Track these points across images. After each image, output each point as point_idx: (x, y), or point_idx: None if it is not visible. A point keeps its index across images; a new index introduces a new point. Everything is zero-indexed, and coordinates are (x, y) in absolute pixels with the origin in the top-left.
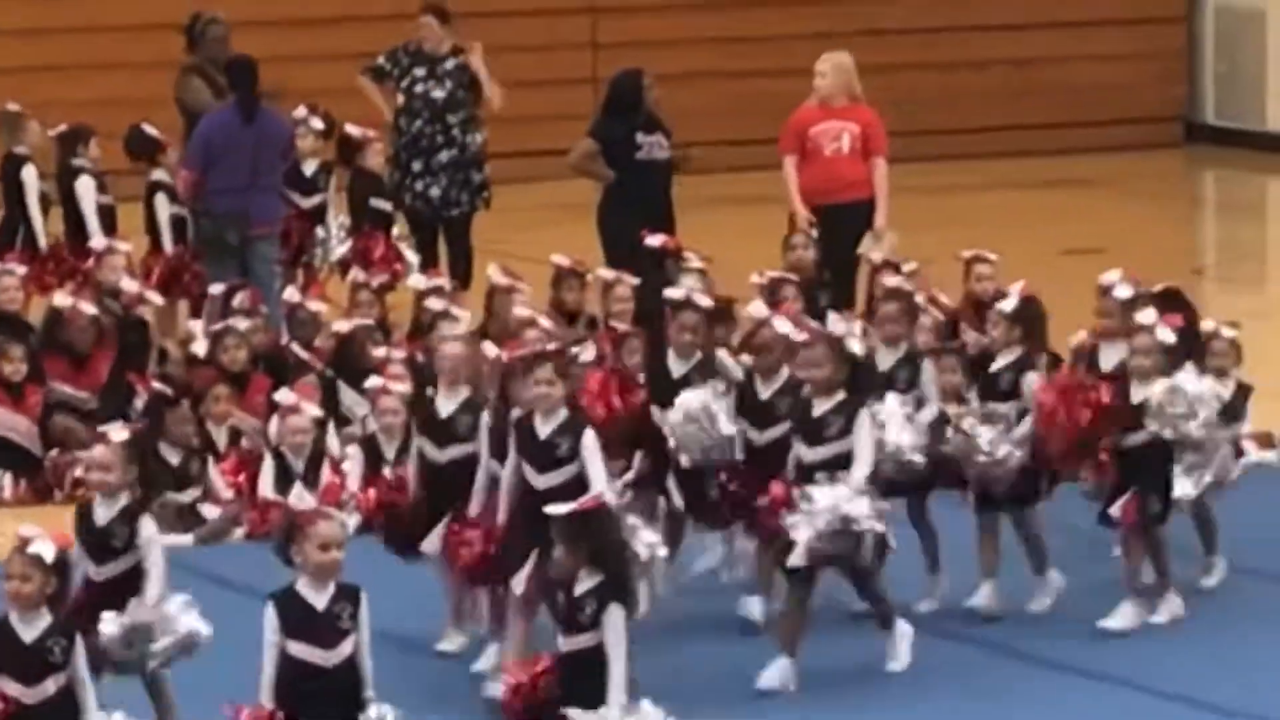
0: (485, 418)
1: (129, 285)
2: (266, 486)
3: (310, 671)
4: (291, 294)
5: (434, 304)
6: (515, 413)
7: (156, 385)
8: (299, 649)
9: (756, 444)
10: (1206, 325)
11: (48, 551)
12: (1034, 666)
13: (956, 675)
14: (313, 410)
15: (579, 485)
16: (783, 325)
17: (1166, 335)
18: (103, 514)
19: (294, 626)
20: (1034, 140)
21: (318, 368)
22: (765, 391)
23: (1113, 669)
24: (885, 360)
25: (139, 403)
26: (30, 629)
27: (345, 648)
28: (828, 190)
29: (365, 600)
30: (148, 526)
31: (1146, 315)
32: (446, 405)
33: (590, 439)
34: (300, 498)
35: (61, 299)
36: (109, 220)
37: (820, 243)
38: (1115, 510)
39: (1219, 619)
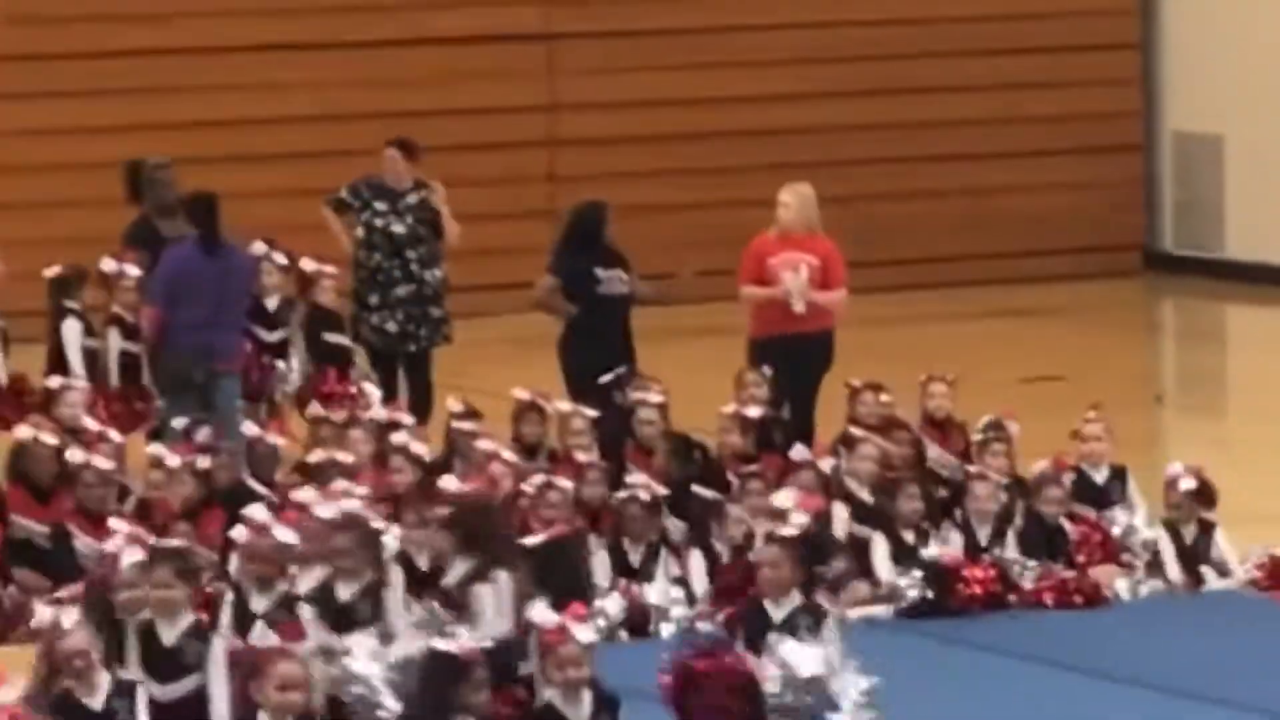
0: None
1: (89, 423)
2: (226, 624)
3: None
4: (251, 429)
5: (396, 438)
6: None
7: (113, 522)
8: None
9: None
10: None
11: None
12: None
13: None
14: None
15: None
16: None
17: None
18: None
19: None
20: (992, 269)
21: (276, 502)
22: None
23: None
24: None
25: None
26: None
27: None
28: (787, 320)
29: None
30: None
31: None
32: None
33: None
34: (263, 636)
35: (24, 431)
36: (93, 363)
37: (779, 374)
38: None
39: None
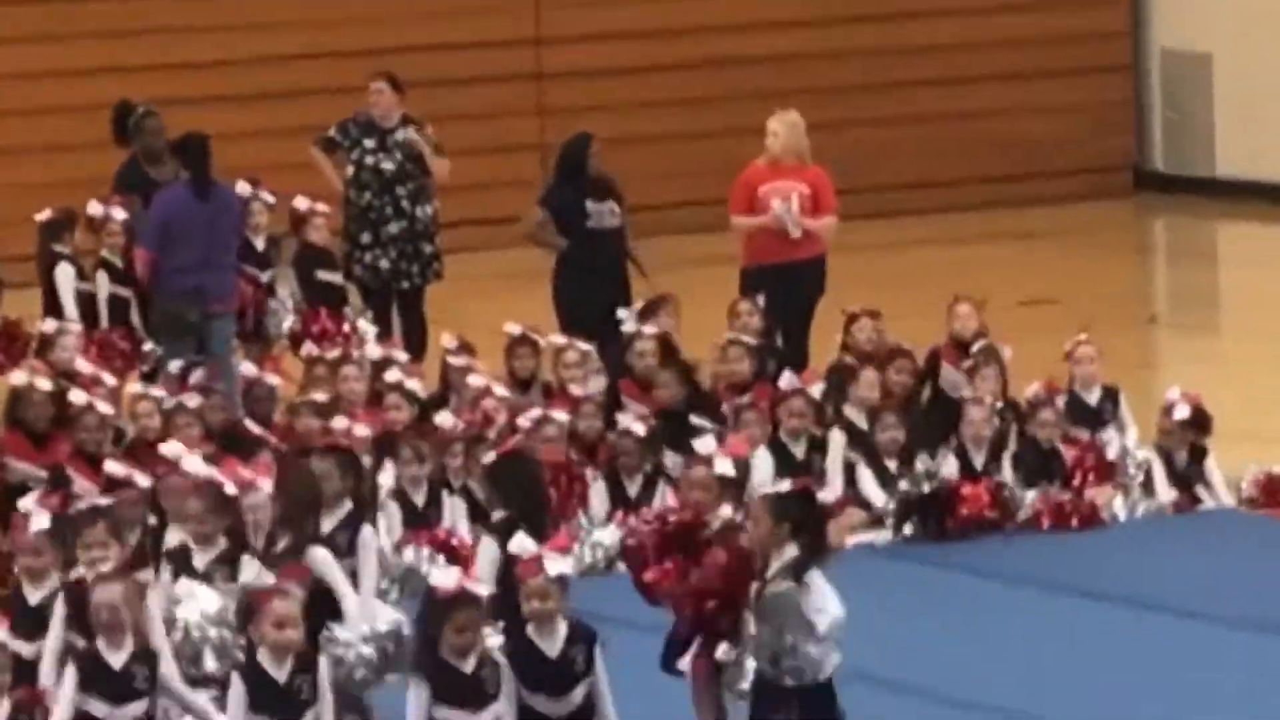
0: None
1: (83, 366)
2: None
3: None
4: (248, 369)
5: (389, 376)
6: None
7: (109, 466)
8: None
9: None
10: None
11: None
12: None
13: None
14: (269, 486)
15: None
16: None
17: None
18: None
19: (260, 702)
20: (982, 193)
21: (273, 443)
22: None
23: None
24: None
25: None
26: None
27: None
28: (779, 249)
29: (324, 666)
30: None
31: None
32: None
33: None
34: (258, 576)
35: (20, 376)
36: (88, 307)
37: (772, 302)
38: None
39: None
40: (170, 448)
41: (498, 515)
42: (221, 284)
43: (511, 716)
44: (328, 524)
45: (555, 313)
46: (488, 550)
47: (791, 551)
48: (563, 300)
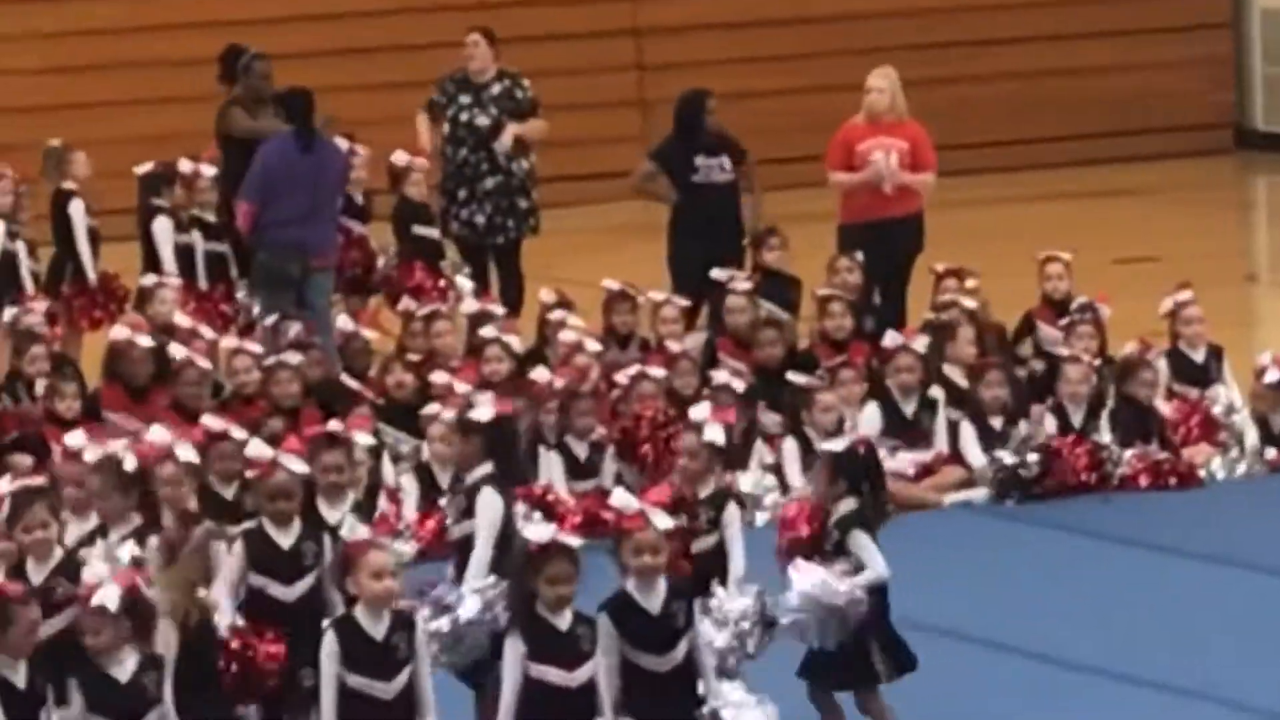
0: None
1: (181, 320)
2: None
3: (369, 703)
4: (345, 324)
5: (486, 330)
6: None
7: (206, 419)
8: (358, 681)
9: None
10: None
11: (111, 600)
12: None
13: None
14: (367, 440)
15: None
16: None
17: (716, 434)
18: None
19: (353, 658)
20: (1083, 150)
21: (370, 398)
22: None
23: None
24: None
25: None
26: (122, 670)
27: (403, 678)
28: (877, 205)
29: (420, 627)
30: None
31: (698, 412)
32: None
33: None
34: (353, 529)
35: (119, 332)
36: (187, 261)
37: (870, 259)
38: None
39: None
40: (72, 439)
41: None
42: (323, 238)
43: (606, 673)
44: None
45: (667, 267)
46: (492, 503)
47: (848, 506)
48: (670, 253)
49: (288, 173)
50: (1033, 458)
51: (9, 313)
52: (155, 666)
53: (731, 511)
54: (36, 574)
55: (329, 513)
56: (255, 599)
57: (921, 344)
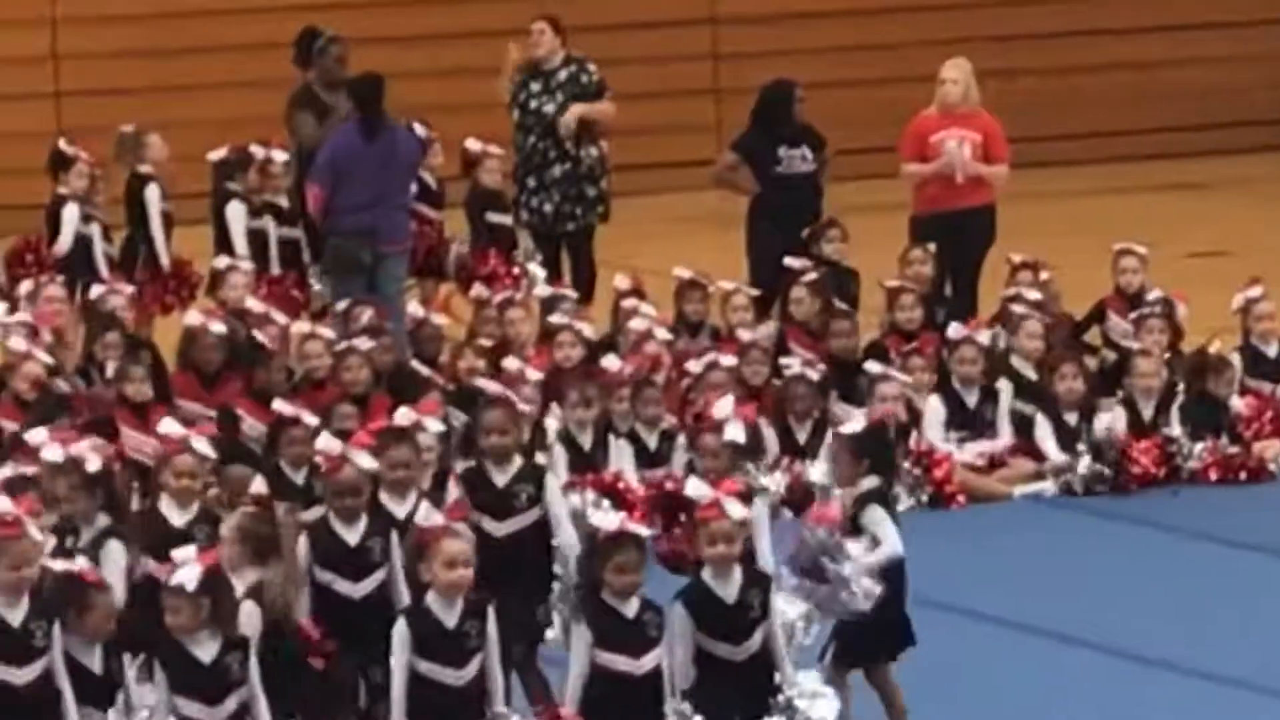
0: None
1: (254, 305)
2: None
3: (440, 690)
4: (416, 310)
5: (558, 317)
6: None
7: (277, 404)
8: (429, 668)
9: None
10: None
11: (191, 580)
12: None
13: None
14: (437, 426)
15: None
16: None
17: (737, 433)
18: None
19: (425, 645)
20: (1156, 144)
21: (441, 383)
22: None
23: None
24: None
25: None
26: (205, 650)
27: (474, 665)
28: (949, 196)
29: (493, 614)
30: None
31: (720, 409)
32: None
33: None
34: (427, 516)
35: (192, 317)
36: (259, 245)
37: (941, 250)
38: None
39: None
40: (34, 435)
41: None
42: (393, 224)
43: (682, 664)
44: (500, 479)
45: (746, 256)
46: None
47: (870, 483)
48: (749, 243)
49: (354, 159)
50: (1107, 457)
51: (93, 292)
52: (240, 648)
53: (756, 508)
54: None
55: (395, 508)
56: (322, 595)
57: (986, 336)
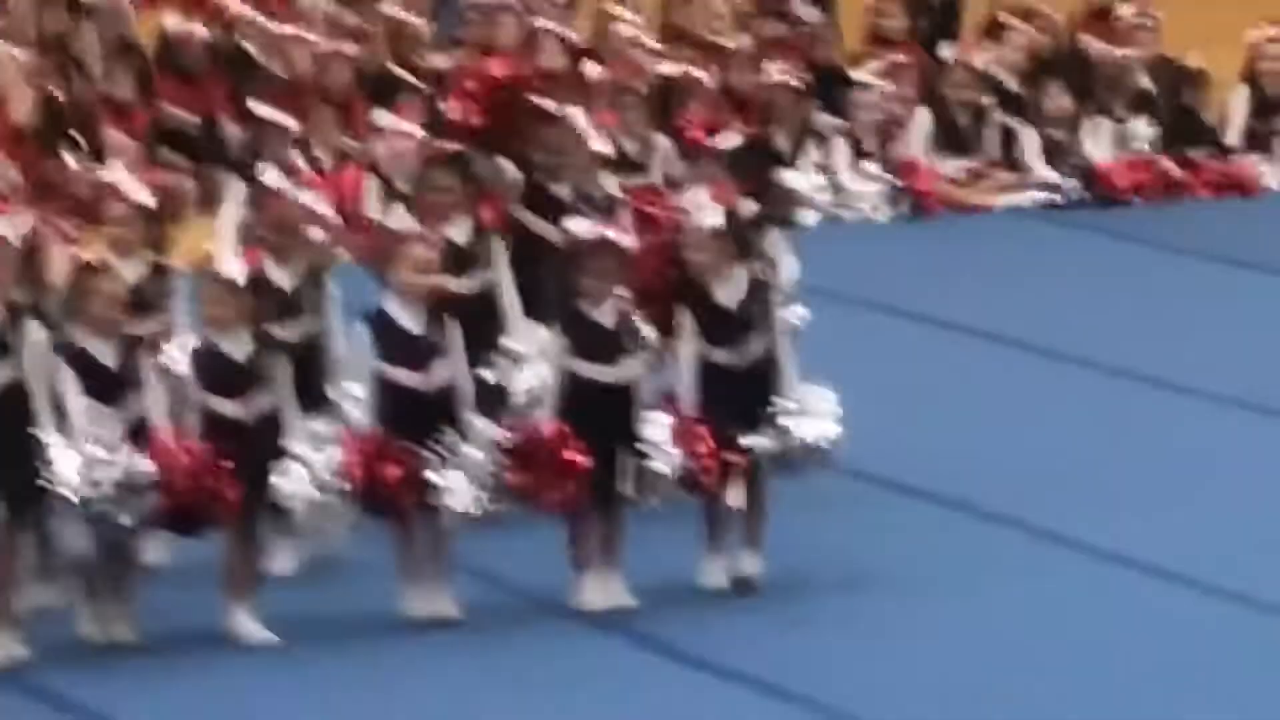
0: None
1: (236, 6)
2: (370, 207)
3: (407, 395)
4: (395, 10)
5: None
6: None
7: (256, 106)
8: (393, 373)
9: None
10: None
11: (239, 274)
12: None
13: None
14: (415, 131)
15: None
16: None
17: (716, 218)
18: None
19: (388, 351)
20: None
21: (421, 87)
22: None
23: None
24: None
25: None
26: (239, 348)
27: (440, 371)
28: None
29: (453, 322)
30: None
31: (695, 197)
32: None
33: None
34: (400, 220)
35: (173, 22)
36: None
37: None
38: None
39: None
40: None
41: None
42: None
43: (687, 366)
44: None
45: None
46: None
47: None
48: None
49: None
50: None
51: None
52: (273, 346)
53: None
54: None
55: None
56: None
57: (980, 60)
